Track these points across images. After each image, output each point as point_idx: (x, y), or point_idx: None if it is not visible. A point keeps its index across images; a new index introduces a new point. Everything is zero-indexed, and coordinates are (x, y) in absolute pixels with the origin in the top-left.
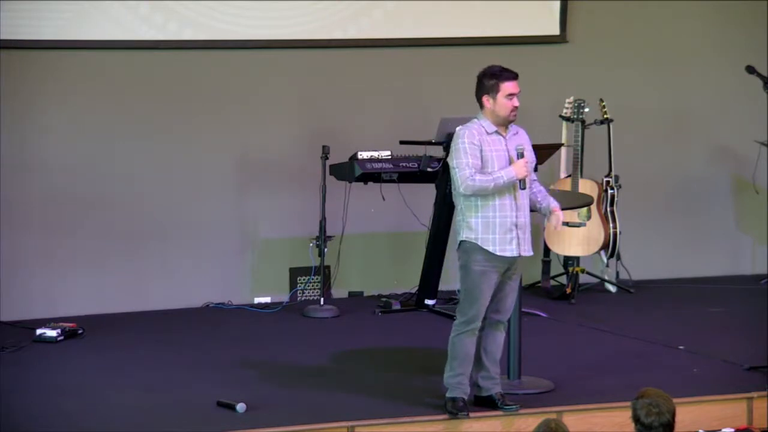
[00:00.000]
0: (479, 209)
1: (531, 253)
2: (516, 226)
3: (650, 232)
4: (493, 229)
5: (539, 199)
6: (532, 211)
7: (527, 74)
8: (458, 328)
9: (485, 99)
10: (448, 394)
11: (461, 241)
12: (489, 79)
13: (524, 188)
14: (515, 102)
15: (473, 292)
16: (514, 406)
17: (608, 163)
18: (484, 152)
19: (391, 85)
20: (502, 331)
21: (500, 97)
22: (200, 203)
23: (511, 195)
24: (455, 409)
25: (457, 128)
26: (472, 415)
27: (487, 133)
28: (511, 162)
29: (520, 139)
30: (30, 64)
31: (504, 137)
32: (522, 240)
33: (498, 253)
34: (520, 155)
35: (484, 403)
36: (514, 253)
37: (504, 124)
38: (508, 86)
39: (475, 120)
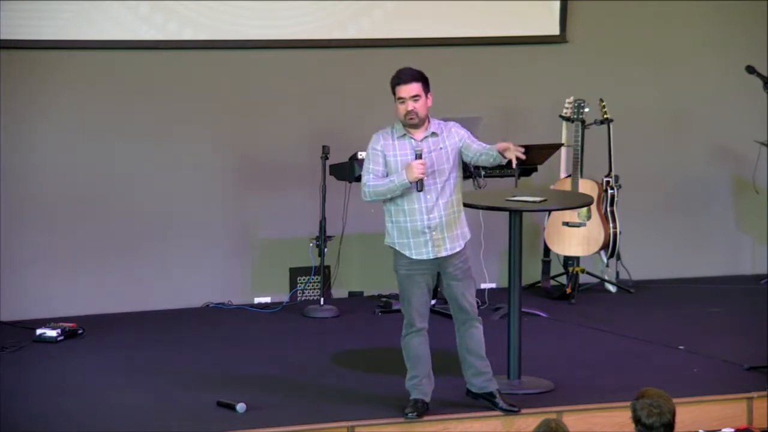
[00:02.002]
0: (392, 214)
1: (454, 251)
2: (429, 228)
3: (650, 232)
4: (407, 233)
5: (491, 152)
6: (492, 168)
7: (527, 74)
8: (404, 331)
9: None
10: (410, 397)
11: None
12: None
13: (420, 190)
14: (408, 106)
15: (405, 295)
16: (515, 409)
17: (608, 163)
18: (388, 158)
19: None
20: (476, 326)
21: (396, 100)
22: (200, 203)
23: (420, 198)
24: (408, 409)
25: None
26: (471, 414)
27: (396, 138)
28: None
29: (440, 139)
30: (30, 64)
31: (416, 140)
32: (439, 240)
33: (415, 257)
34: (417, 156)
35: (480, 398)
36: (430, 256)
37: (411, 127)
38: (398, 90)
39: (394, 124)
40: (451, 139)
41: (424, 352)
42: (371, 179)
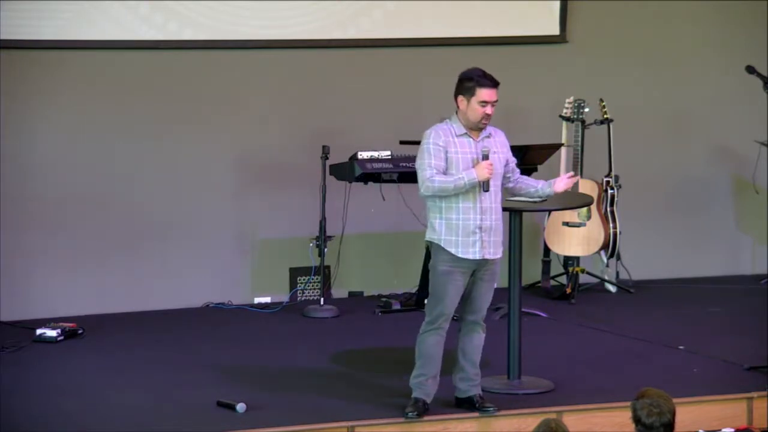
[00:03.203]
0: (443, 211)
1: (497, 257)
2: (480, 229)
3: (650, 232)
4: (456, 231)
5: (537, 186)
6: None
7: (527, 74)
8: (424, 327)
9: (460, 99)
10: (412, 395)
11: (427, 242)
12: (468, 81)
13: (487, 190)
14: (488, 110)
15: (438, 292)
16: (491, 409)
17: (608, 163)
18: (450, 154)
19: (391, 85)
20: (479, 332)
21: (474, 101)
22: (200, 203)
23: (476, 198)
24: (409, 408)
25: (427, 130)
26: (472, 415)
27: (456, 135)
28: (475, 164)
29: (494, 142)
30: (30, 64)
31: (474, 140)
32: (487, 243)
33: (461, 255)
34: (485, 157)
35: (463, 404)
36: (477, 256)
37: (474, 128)
38: (484, 93)
39: (447, 120)
40: (503, 148)
41: (437, 353)
42: (434, 174)
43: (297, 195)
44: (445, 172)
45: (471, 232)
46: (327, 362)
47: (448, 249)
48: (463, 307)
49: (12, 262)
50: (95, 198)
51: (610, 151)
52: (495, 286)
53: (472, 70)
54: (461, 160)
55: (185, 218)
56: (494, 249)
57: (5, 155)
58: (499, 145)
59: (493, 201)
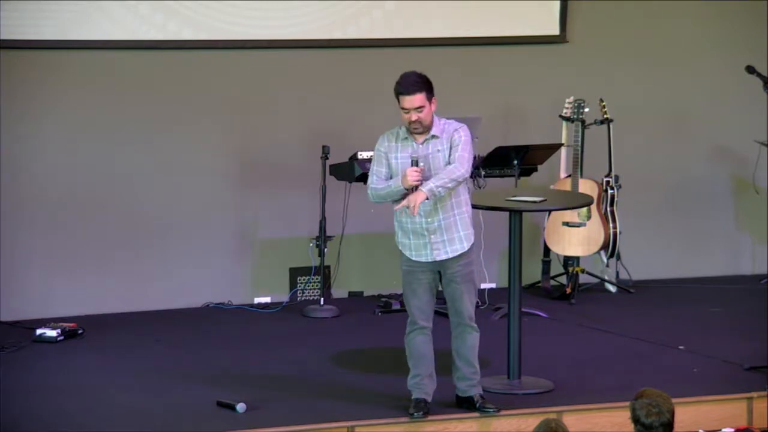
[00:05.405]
0: (397, 215)
1: (453, 255)
2: (428, 231)
3: (650, 232)
4: (407, 234)
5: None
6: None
7: (527, 74)
8: (408, 328)
9: None
10: (412, 396)
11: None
12: (395, 87)
13: None
14: (412, 117)
15: (407, 292)
16: (491, 409)
17: (608, 163)
18: (390, 160)
19: (391, 85)
20: (470, 332)
21: (400, 107)
22: (200, 203)
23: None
24: (413, 409)
25: None
26: (472, 415)
27: (400, 140)
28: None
29: (439, 141)
30: (30, 64)
31: (417, 143)
32: (438, 244)
33: (414, 258)
34: (414, 163)
35: (464, 404)
36: (429, 258)
37: (413, 132)
38: (401, 100)
39: (402, 125)
40: (453, 143)
41: (426, 351)
42: (374, 181)
43: (297, 195)
44: (390, 178)
45: (420, 235)
46: (327, 362)
47: (404, 251)
48: (448, 309)
49: (12, 262)
50: (95, 198)
51: (610, 151)
52: (474, 286)
53: (403, 74)
54: (400, 165)
55: (185, 218)
56: (450, 247)
57: (5, 155)
58: (445, 143)
59: (438, 201)
